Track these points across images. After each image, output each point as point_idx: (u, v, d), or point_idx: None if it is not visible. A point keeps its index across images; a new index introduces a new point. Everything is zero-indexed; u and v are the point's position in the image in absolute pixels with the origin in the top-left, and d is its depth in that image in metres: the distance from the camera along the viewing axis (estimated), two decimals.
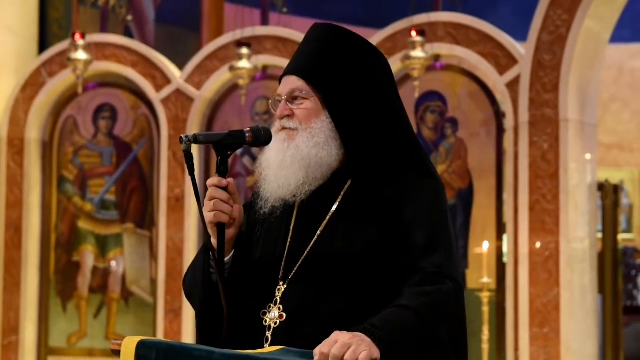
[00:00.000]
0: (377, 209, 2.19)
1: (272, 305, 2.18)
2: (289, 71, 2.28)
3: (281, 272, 2.20)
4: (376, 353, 1.96)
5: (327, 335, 1.98)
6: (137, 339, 1.99)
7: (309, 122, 2.22)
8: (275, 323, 2.17)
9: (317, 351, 1.97)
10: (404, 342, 2.01)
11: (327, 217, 2.21)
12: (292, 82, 2.25)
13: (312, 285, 2.16)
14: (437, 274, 2.11)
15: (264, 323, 2.18)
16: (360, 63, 2.26)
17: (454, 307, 2.11)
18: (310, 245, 2.19)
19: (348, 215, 2.20)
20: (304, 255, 2.19)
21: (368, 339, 1.96)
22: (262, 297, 2.20)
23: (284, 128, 2.23)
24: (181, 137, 2.12)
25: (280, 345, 2.06)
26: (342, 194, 2.22)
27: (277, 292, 2.19)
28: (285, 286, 2.19)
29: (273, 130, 2.25)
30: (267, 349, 2.07)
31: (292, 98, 2.24)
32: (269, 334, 2.16)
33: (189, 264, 2.38)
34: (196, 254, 2.36)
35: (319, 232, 2.20)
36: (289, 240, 2.23)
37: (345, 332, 1.97)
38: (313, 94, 2.23)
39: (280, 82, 2.31)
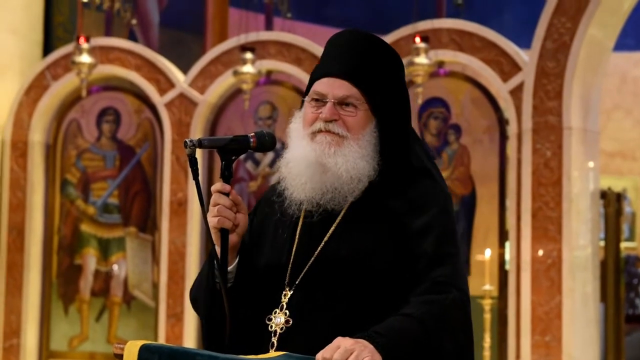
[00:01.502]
0: (386, 216, 2.18)
1: (278, 311, 2.18)
2: (338, 74, 2.19)
3: (287, 278, 2.20)
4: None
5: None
6: (140, 342, 1.99)
7: (358, 133, 2.18)
8: (282, 329, 2.16)
9: (319, 357, 1.97)
10: (406, 350, 2.01)
11: (335, 223, 2.20)
12: (345, 87, 2.18)
13: (319, 291, 2.16)
14: (443, 283, 2.10)
15: (269, 329, 2.17)
16: (397, 76, 2.26)
17: (459, 316, 2.11)
18: (317, 251, 2.18)
19: (356, 221, 2.19)
20: (311, 261, 2.18)
21: (370, 346, 1.97)
22: (268, 303, 2.20)
23: (328, 131, 2.18)
24: (185, 142, 2.10)
25: (286, 350, 2.06)
26: (350, 199, 2.21)
27: (283, 297, 2.19)
28: (292, 292, 2.18)
29: (308, 132, 2.19)
30: (270, 354, 2.07)
31: (344, 104, 2.18)
32: (274, 339, 2.16)
33: (191, 268, 2.39)
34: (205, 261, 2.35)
35: (326, 238, 2.19)
36: (295, 245, 2.22)
37: (347, 338, 1.97)
38: (366, 104, 2.19)
39: (313, 79, 2.22)
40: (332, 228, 2.19)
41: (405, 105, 2.25)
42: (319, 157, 2.16)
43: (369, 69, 2.20)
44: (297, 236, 2.23)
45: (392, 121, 2.21)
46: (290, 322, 2.15)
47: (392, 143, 2.21)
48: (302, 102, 2.27)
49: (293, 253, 2.21)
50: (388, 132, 2.20)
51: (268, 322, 2.18)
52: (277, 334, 2.16)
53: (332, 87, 2.18)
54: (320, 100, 2.19)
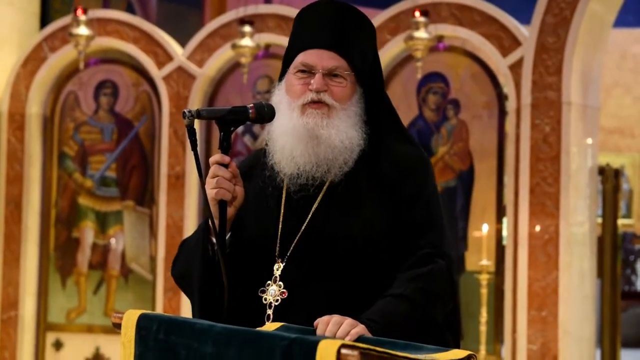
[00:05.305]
0: (371, 184, 2.20)
1: (271, 283, 2.18)
2: (325, 45, 2.21)
3: (277, 250, 2.19)
4: None
5: (330, 312, 2.02)
6: (139, 311, 2.00)
7: (345, 103, 2.21)
8: (277, 300, 2.16)
9: (316, 322, 2.00)
10: (401, 332, 2.05)
11: (321, 193, 2.20)
12: (334, 59, 2.20)
13: (313, 263, 2.16)
14: (429, 255, 2.14)
15: (263, 301, 2.17)
16: (373, 44, 2.29)
17: (446, 285, 2.15)
18: (306, 222, 2.19)
19: (342, 190, 2.20)
20: (300, 232, 2.18)
21: (364, 326, 2.01)
22: (259, 275, 2.19)
23: (319, 101, 2.18)
24: (184, 112, 2.10)
25: (282, 322, 2.07)
26: (345, 169, 2.21)
27: (275, 269, 2.18)
28: (284, 264, 2.18)
29: (298, 104, 2.19)
30: (268, 325, 2.07)
31: (332, 75, 2.20)
32: (270, 311, 2.16)
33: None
34: (184, 240, 2.34)
35: (313, 208, 2.19)
36: (281, 216, 2.22)
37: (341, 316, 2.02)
38: (352, 75, 2.22)
39: (296, 49, 2.23)
40: (319, 198, 2.20)
41: (380, 72, 2.31)
42: (312, 130, 2.17)
43: (352, 39, 2.22)
44: (282, 208, 2.22)
45: (374, 89, 2.25)
46: (286, 294, 2.15)
47: (377, 111, 2.24)
48: (281, 74, 2.27)
49: (280, 225, 2.21)
50: (372, 100, 2.24)
51: (261, 295, 2.17)
52: (272, 306, 2.16)
53: (320, 58, 2.19)
54: (308, 72, 2.20)
